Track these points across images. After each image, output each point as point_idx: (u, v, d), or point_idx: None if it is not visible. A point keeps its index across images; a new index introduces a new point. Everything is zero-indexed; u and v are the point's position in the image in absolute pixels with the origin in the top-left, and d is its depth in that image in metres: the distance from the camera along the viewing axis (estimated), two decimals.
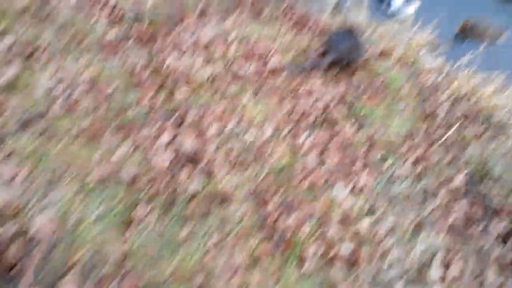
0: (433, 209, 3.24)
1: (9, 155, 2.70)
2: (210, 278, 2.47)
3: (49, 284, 2.22)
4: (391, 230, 3.04)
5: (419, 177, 3.49)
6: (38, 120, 2.90)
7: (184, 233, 2.63)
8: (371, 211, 3.13)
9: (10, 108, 2.98)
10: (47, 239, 2.38)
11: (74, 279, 2.27)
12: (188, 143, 3.10)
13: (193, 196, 2.82)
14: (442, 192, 3.40)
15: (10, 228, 2.41)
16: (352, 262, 2.78)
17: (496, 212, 3.35)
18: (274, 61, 4.20)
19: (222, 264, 2.55)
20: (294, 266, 2.66)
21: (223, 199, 2.85)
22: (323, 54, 4.37)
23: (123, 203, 2.64)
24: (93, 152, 2.86)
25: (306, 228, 2.87)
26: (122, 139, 2.99)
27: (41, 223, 2.43)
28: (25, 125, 2.86)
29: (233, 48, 4.21)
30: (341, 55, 4.31)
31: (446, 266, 2.91)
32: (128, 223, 2.55)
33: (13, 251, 2.30)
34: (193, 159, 3.01)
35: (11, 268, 2.25)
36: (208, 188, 2.89)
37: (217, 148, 3.17)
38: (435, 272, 2.87)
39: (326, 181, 3.23)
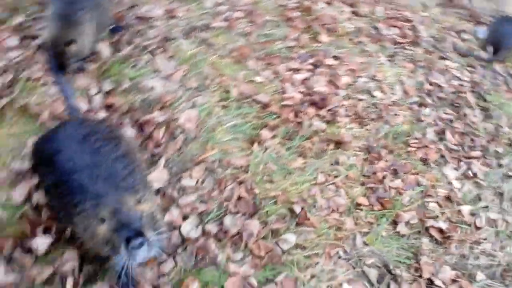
0: None
1: (172, 56, 3.13)
2: (309, 209, 2.75)
3: (177, 172, 2.64)
4: (491, 224, 3.06)
5: None
6: (202, 30, 3.28)
7: (298, 164, 2.91)
8: (476, 199, 3.16)
9: (180, 14, 3.39)
10: (188, 132, 2.80)
11: (199, 173, 2.68)
12: (321, 86, 3.30)
13: (314, 134, 3.06)
14: None
15: (162, 115, 2.86)
16: (442, 240, 2.89)
17: None
18: (418, 31, 4.18)
19: (323, 201, 2.81)
20: (386, 225, 2.85)
21: (340, 145, 3.06)
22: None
23: (253, 122, 2.97)
24: (239, 70, 3.20)
25: (408, 195, 3.00)
26: (265, 66, 3.28)
27: (186, 118, 2.85)
28: (190, 32, 3.26)
29: (380, 9, 4.25)
30: (498, 42, 4.16)
31: None
32: (254, 140, 2.89)
33: (160, 133, 2.75)
34: (321, 101, 3.22)
35: (157, 146, 2.71)
36: (329, 131, 3.11)
37: (346, 97, 3.34)
38: None
39: (440, 158, 3.28)
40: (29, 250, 2.17)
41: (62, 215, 2.03)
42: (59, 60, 2.70)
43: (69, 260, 2.14)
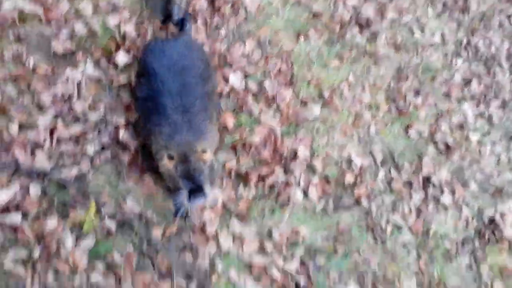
0: None
1: None
2: (336, 96, 3.20)
3: (233, 41, 3.14)
4: (495, 154, 3.45)
5: None
6: None
7: (334, 64, 3.37)
8: (486, 134, 3.56)
9: None
10: (249, 12, 3.25)
11: (251, 46, 3.16)
12: (368, 12, 3.74)
13: (354, 47, 3.51)
14: None
15: None
16: (446, 151, 3.31)
17: None
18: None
19: (350, 95, 3.27)
20: (399, 127, 3.28)
21: (376, 60, 3.50)
22: None
23: (304, 22, 3.45)
24: None
25: (425, 112, 3.42)
26: None
27: (250, 0, 3.32)
28: None
29: None
30: None
31: None
32: (301, 35, 3.37)
33: (227, 9, 3.24)
34: (366, 24, 3.67)
35: (221, 17, 3.22)
36: (369, 47, 3.54)
37: (388, 27, 3.75)
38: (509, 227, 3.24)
39: (461, 97, 3.67)
40: (112, 63, 2.75)
41: (142, 129, 2.30)
42: None
43: None
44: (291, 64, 3.16)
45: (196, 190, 2.02)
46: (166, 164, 2.07)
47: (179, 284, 2.22)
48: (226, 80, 2.91)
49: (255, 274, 2.39)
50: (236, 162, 2.66)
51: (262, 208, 2.60)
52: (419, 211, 3.00)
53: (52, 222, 2.15)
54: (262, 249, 2.48)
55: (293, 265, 2.48)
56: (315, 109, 3.01)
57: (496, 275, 3.00)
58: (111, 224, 2.25)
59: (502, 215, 3.20)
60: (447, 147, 3.32)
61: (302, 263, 2.52)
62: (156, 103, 2.15)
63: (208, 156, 2.10)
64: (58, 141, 2.33)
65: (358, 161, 2.94)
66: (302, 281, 2.45)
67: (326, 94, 3.14)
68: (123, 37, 2.77)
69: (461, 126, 3.49)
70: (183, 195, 2.05)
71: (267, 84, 3.00)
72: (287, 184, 2.70)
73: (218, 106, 2.70)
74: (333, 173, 2.87)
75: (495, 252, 3.06)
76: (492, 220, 3.17)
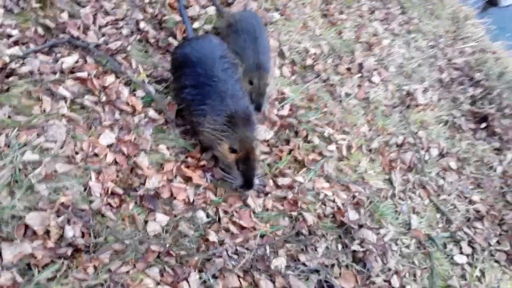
0: None
1: None
2: (289, 10, 4.19)
3: None
4: (400, 52, 4.70)
5: None
6: None
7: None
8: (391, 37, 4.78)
9: None
10: None
11: None
12: None
13: None
14: None
15: None
16: (370, 47, 4.46)
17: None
18: None
19: (296, 11, 4.26)
20: (336, 34, 4.36)
21: None
22: None
23: None
24: None
25: (350, 24, 4.54)
26: None
27: None
28: None
29: None
30: None
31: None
32: None
33: None
34: None
35: None
36: None
37: None
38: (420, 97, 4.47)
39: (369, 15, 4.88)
40: None
41: (191, 113, 2.62)
42: None
43: None
44: None
45: (246, 185, 2.52)
46: (227, 155, 2.45)
47: None
48: None
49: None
50: None
51: None
52: (359, 86, 4.06)
53: (110, 79, 2.78)
54: None
55: (285, 112, 3.35)
56: (275, 15, 3.94)
57: (419, 125, 4.16)
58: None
59: (415, 90, 4.41)
60: (369, 45, 4.46)
61: (290, 110, 3.39)
62: (209, 90, 2.51)
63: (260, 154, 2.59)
64: (100, 26, 2.97)
65: (312, 50, 3.93)
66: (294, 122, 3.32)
67: (281, 7, 4.09)
68: None
69: (375, 34, 4.67)
70: (237, 181, 2.54)
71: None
72: None
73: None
74: (297, 58, 3.82)
75: (415, 112, 4.23)
76: (408, 93, 4.35)
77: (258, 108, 2.92)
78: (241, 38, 3.09)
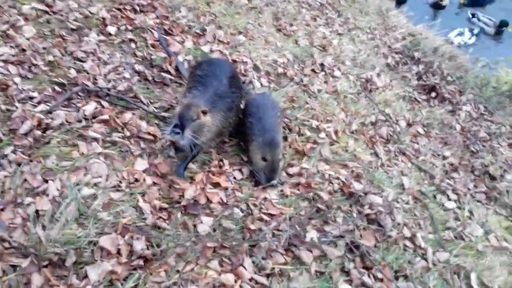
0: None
1: None
2: (250, 31, 4.73)
3: None
4: (351, 48, 5.36)
5: None
6: None
7: (237, 15, 4.91)
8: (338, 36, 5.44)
9: None
10: None
11: None
12: None
13: (243, 6, 5.11)
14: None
15: None
16: (323, 49, 5.08)
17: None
18: None
19: (255, 31, 4.82)
20: (293, 43, 4.96)
21: (260, 10, 5.15)
22: None
23: None
24: None
25: (301, 33, 5.16)
26: None
27: None
28: None
29: None
30: None
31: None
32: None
33: None
34: None
35: None
36: (251, 4, 5.19)
37: None
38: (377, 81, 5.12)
39: (314, 22, 5.54)
40: None
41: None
42: None
43: None
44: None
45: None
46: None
47: None
48: None
49: None
50: None
51: None
52: (326, 82, 4.64)
53: (127, 115, 3.16)
54: None
55: None
56: (241, 37, 4.46)
57: (384, 104, 4.78)
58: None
59: (371, 76, 5.05)
60: (323, 47, 5.08)
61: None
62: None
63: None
64: (105, 74, 3.35)
65: (280, 60, 4.47)
66: (285, 120, 3.81)
67: (242, 31, 4.63)
68: None
69: (324, 37, 5.31)
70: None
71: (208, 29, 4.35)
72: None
73: None
74: (269, 69, 4.34)
75: (377, 94, 4.86)
76: (366, 79, 4.99)
77: (269, 180, 3.26)
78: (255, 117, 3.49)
